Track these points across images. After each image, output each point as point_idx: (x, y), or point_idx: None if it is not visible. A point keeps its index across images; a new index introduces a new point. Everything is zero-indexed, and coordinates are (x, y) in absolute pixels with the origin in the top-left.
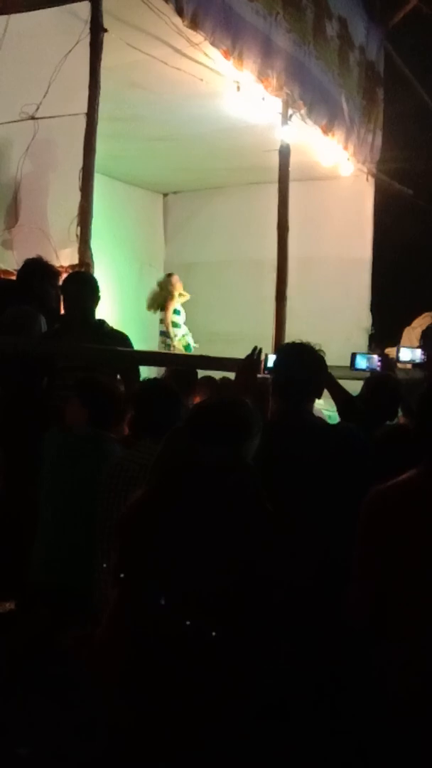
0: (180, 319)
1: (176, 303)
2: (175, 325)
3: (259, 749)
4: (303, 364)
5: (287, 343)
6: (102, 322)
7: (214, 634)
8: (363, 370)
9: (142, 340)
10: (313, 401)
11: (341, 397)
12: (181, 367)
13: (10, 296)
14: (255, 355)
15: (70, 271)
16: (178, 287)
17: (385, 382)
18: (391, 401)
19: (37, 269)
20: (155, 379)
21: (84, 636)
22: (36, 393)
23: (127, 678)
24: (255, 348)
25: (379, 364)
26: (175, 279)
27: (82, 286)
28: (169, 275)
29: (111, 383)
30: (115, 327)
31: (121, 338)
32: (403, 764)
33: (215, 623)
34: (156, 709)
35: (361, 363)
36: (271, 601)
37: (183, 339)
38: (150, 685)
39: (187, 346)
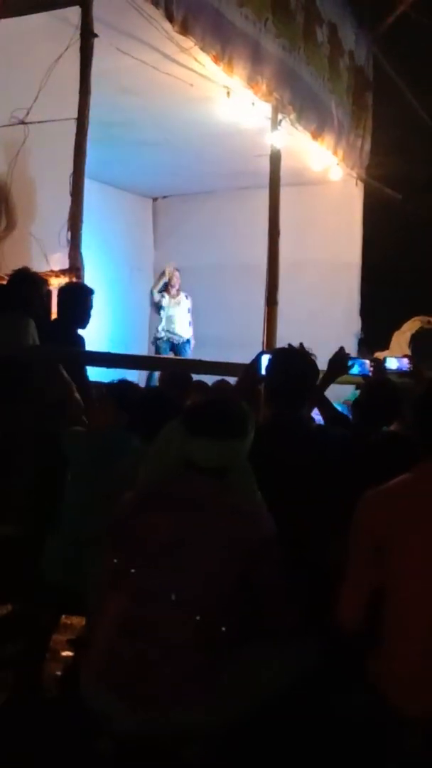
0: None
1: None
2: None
3: (260, 749)
4: (295, 370)
5: (279, 348)
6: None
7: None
8: (356, 375)
9: (132, 344)
10: (306, 406)
11: (328, 414)
12: (181, 371)
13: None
14: (257, 360)
15: (60, 276)
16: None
17: (384, 387)
18: (389, 406)
19: (25, 278)
20: (155, 387)
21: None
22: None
23: (119, 674)
24: (259, 354)
25: (371, 369)
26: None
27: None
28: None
29: (140, 388)
30: (104, 331)
31: None
32: None
33: (212, 622)
34: (151, 704)
35: (354, 368)
36: (270, 598)
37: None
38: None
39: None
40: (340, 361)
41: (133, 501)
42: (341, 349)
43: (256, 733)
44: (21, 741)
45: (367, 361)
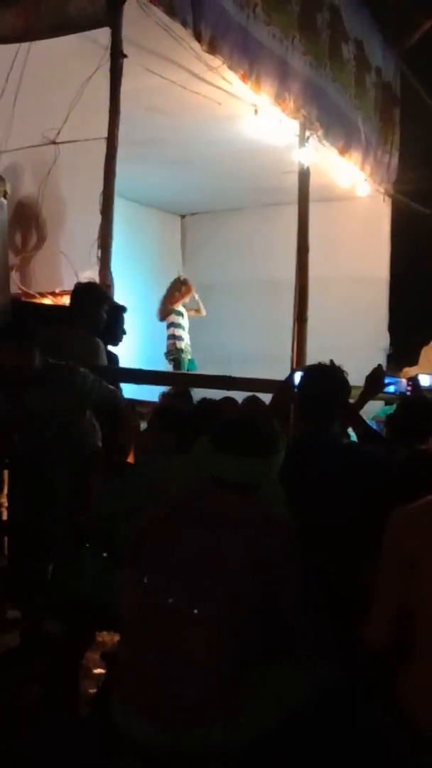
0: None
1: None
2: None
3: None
4: (326, 386)
5: (312, 365)
6: None
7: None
8: (393, 393)
9: (161, 361)
10: (338, 421)
11: (361, 430)
12: (210, 388)
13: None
14: (291, 378)
15: None
16: (185, 293)
17: (420, 405)
18: (425, 424)
19: (92, 294)
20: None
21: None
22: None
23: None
24: (293, 372)
25: (408, 388)
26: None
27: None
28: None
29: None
30: (133, 347)
31: None
32: None
33: (235, 637)
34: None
35: (390, 387)
36: (294, 614)
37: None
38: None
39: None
40: (377, 379)
41: (160, 514)
42: (379, 366)
43: (277, 750)
44: (52, 760)
45: (405, 380)
